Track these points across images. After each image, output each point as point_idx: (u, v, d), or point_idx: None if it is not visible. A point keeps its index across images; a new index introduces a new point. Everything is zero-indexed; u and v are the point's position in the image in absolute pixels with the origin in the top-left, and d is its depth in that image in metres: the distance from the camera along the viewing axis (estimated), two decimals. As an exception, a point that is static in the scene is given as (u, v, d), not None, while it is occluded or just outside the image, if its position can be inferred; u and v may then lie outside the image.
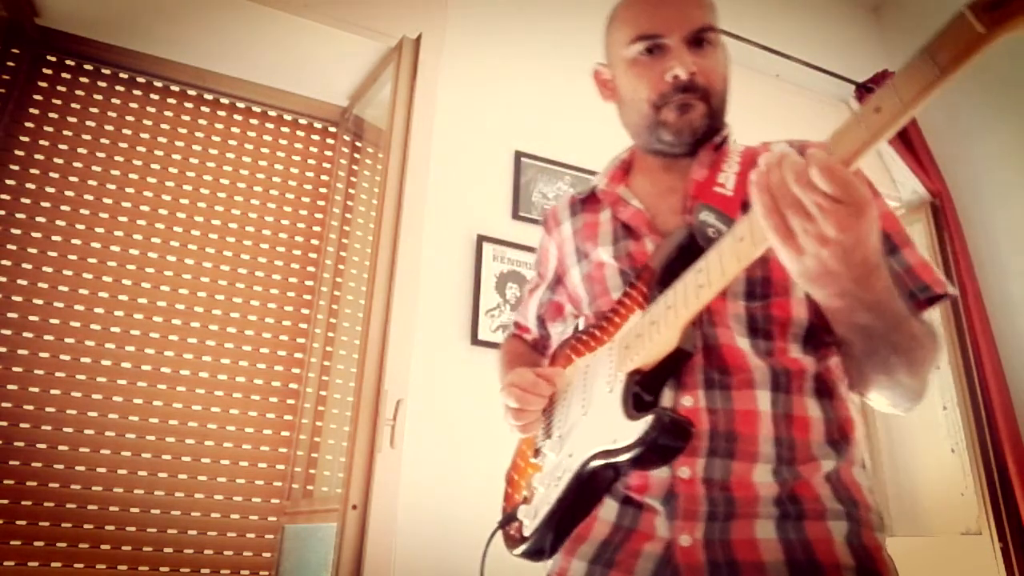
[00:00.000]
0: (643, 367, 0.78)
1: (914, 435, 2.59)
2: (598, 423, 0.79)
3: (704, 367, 0.80)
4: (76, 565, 1.78)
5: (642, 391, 0.77)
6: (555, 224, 1.07)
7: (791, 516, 0.74)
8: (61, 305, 1.95)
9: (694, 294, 0.72)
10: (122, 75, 2.22)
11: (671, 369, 0.78)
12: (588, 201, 1.02)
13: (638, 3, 0.92)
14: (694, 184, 0.89)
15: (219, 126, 2.31)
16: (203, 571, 1.89)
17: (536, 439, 0.93)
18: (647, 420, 0.70)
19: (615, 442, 0.74)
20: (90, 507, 1.83)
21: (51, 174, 2.04)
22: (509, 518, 0.91)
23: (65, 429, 1.86)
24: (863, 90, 2.73)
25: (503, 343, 1.21)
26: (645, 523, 0.79)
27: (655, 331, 0.76)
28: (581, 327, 0.98)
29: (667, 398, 0.79)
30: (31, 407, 1.84)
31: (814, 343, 0.83)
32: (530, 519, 0.86)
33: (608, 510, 0.83)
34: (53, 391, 1.88)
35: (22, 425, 1.82)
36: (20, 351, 1.88)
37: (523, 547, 0.86)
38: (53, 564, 1.76)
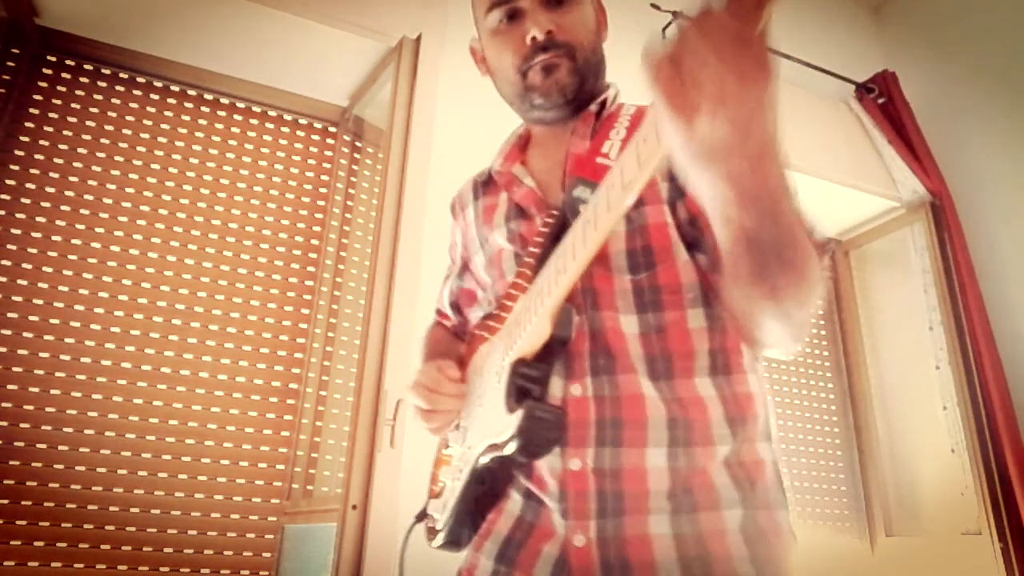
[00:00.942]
0: (525, 356, 0.76)
1: (914, 435, 2.59)
2: (490, 415, 0.78)
3: (592, 352, 0.76)
4: (76, 565, 1.77)
5: (528, 381, 0.75)
6: (460, 209, 1.05)
7: (685, 509, 0.72)
8: (61, 305, 1.95)
9: (555, 280, 0.71)
10: (122, 75, 2.22)
11: (553, 355, 0.76)
12: (489, 183, 1.00)
13: None
14: (573, 158, 0.86)
15: (219, 126, 2.31)
16: (203, 571, 1.89)
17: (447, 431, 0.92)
18: (519, 414, 0.71)
19: (499, 435, 0.74)
20: (90, 507, 1.83)
21: (51, 174, 2.04)
22: (422, 513, 0.92)
23: (65, 429, 1.86)
24: (863, 90, 2.73)
25: (427, 332, 1.18)
26: (544, 520, 0.77)
27: (528, 319, 0.75)
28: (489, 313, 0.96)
29: (557, 387, 0.77)
30: (31, 407, 1.84)
31: (714, 307, 0.79)
32: (440, 512, 0.86)
33: (513, 503, 0.82)
34: (53, 391, 1.87)
35: (22, 425, 1.82)
36: (20, 351, 1.88)
37: (437, 540, 0.87)
38: (53, 564, 1.75)
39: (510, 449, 0.73)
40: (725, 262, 0.66)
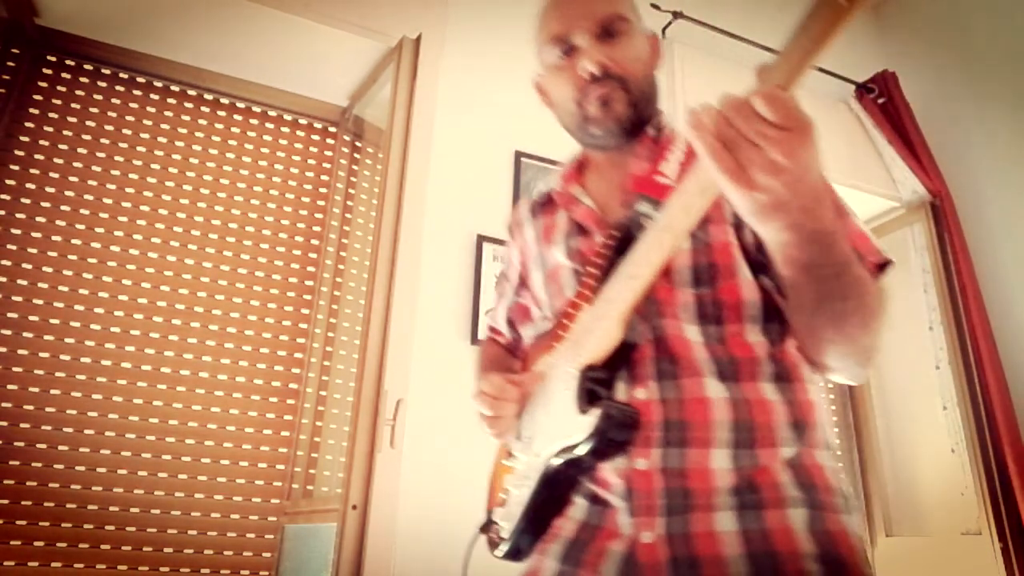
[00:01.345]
0: (594, 361, 0.79)
1: (914, 435, 2.59)
2: (558, 421, 0.81)
3: (655, 358, 0.80)
4: (76, 565, 1.78)
5: (596, 385, 0.78)
6: (518, 229, 1.09)
7: (750, 506, 0.74)
8: (61, 305, 1.95)
9: (626, 286, 0.74)
10: (122, 75, 2.22)
11: (621, 362, 0.79)
12: (546, 204, 1.04)
13: (547, 9, 0.96)
14: (633, 178, 0.90)
15: (219, 126, 2.31)
16: (203, 571, 1.89)
17: (509, 442, 0.95)
18: (595, 413, 0.73)
19: (570, 438, 0.76)
20: (90, 507, 1.83)
21: (51, 174, 2.04)
22: (488, 522, 0.93)
23: (65, 429, 1.86)
24: (863, 90, 2.73)
25: (481, 348, 1.22)
26: (610, 521, 0.80)
27: (599, 326, 0.78)
28: (546, 327, 0.99)
29: (621, 391, 0.80)
30: (31, 407, 1.84)
31: (774, 322, 0.83)
32: (505, 521, 0.88)
33: (577, 508, 0.84)
34: (53, 391, 1.88)
35: (22, 425, 1.82)
36: (20, 351, 1.88)
37: (502, 549, 0.88)
38: (53, 564, 1.76)
39: (582, 450, 0.74)
40: (789, 294, 0.73)
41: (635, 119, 0.91)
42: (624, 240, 0.80)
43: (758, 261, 0.83)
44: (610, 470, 0.79)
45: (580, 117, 0.92)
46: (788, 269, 0.68)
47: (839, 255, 0.66)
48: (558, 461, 0.79)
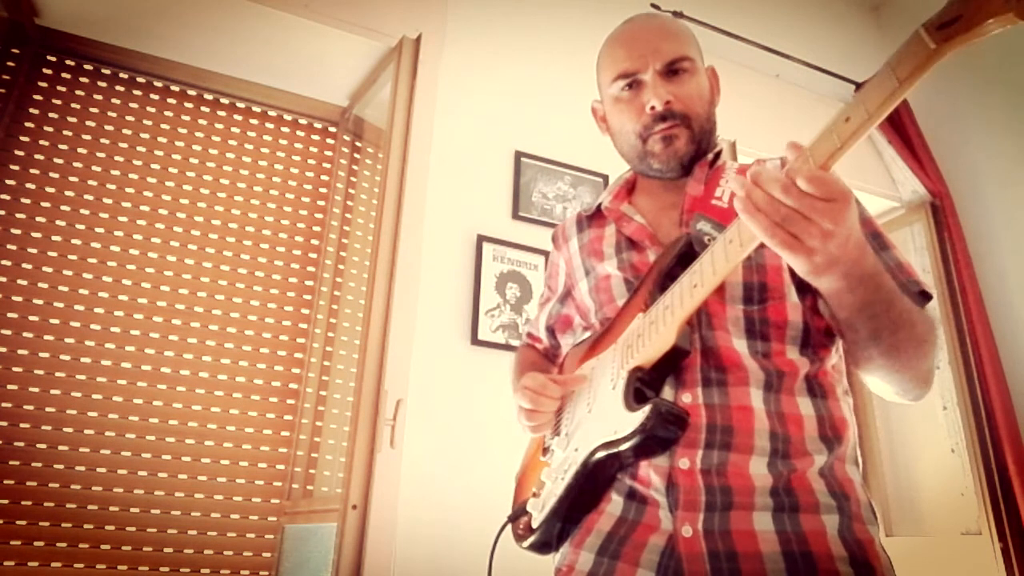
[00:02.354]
0: (643, 365, 0.82)
1: (914, 435, 2.59)
2: (602, 418, 0.84)
3: (702, 366, 0.84)
4: (76, 565, 1.77)
5: (645, 385, 0.81)
6: (564, 241, 1.13)
7: (786, 508, 0.78)
8: (61, 305, 1.95)
9: (688, 294, 0.78)
10: (122, 75, 2.22)
11: (670, 367, 0.83)
12: (594, 218, 1.09)
13: (616, 44, 1.00)
14: (690, 199, 0.95)
15: (219, 126, 2.31)
16: (203, 571, 1.89)
17: (545, 439, 0.99)
18: (645, 410, 0.76)
19: (616, 433, 0.79)
20: (90, 507, 1.83)
21: (51, 174, 2.04)
22: (518, 513, 0.96)
23: (65, 429, 1.86)
24: (863, 90, 2.73)
25: (517, 352, 1.25)
26: (649, 516, 0.83)
27: (654, 330, 0.81)
28: (589, 335, 1.03)
29: (667, 395, 0.84)
30: (31, 407, 1.84)
31: (812, 345, 0.87)
32: (538, 511, 0.91)
33: (614, 504, 0.87)
34: (53, 391, 1.88)
35: (22, 425, 1.82)
36: (20, 351, 1.88)
37: (531, 539, 0.92)
38: (53, 564, 1.75)
39: (627, 444, 0.77)
40: (847, 334, 0.80)
41: (694, 155, 0.96)
42: (684, 254, 0.85)
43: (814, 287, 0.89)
44: (651, 468, 0.82)
45: (641, 150, 0.97)
46: (844, 312, 0.76)
47: (886, 292, 0.74)
48: (600, 455, 0.82)
